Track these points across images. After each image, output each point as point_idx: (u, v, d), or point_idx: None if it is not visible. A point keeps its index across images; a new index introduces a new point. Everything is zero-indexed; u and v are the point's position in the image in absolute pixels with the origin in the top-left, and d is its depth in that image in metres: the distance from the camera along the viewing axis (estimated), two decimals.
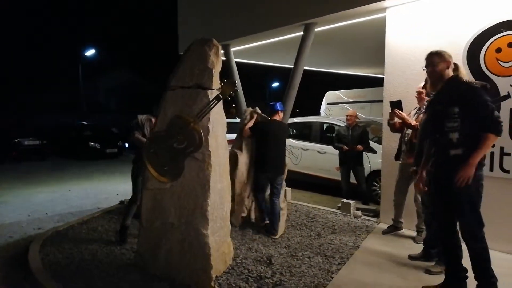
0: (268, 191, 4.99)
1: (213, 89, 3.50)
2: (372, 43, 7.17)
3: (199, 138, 3.37)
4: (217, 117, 3.59)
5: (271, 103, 5.11)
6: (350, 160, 6.38)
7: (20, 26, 26.89)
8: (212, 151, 3.41)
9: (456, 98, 2.85)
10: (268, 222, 4.80)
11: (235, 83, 3.46)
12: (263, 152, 4.88)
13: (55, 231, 4.73)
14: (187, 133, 3.41)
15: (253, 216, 5.20)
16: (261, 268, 3.68)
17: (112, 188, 8.49)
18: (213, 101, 3.44)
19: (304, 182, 7.95)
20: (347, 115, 6.62)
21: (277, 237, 4.63)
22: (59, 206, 6.77)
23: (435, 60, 3.00)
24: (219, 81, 3.59)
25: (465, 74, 3.07)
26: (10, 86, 25.29)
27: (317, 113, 12.13)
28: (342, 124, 7.13)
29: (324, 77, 13.58)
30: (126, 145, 16.17)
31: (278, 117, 5.02)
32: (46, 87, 27.22)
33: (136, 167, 4.44)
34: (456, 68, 3.02)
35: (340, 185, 6.68)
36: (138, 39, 32.90)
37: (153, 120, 4.36)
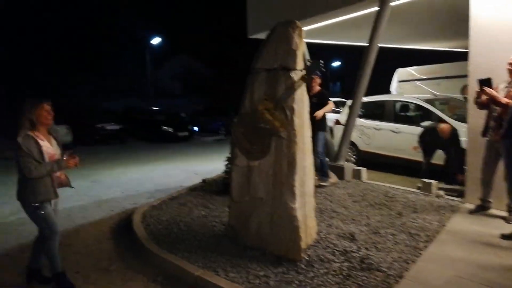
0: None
1: (297, 70, 3.62)
2: (452, 15, 6.78)
3: (280, 126, 3.52)
4: (301, 97, 3.70)
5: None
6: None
7: (91, 17, 28.77)
8: (297, 130, 3.55)
9: None
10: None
11: (321, 62, 3.54)
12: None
13: (150, 205, 5.24)
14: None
15: None
16: (345, 243, 3.79)
17: (190, 168, 9.07)
18: (298, 82, 3.56)
19: (377, 163, 7.83)
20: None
21: None
22: (146, 184, 7.41)
23: None
24: (303, 62, 3.69)
25: None
26: (85, 73, 27.37)
27: (387, 91, 11.72)
28: (419, 102, 7.03)
29: (392, 53, 13.01)
30: (196, 128, 17.07)
31: None
32: (115, 74, 29.14)
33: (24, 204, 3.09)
34: None
35: (415, 165, 6.52)
36: (200, 24, 33.69)
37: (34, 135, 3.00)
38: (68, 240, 4.43)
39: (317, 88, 5.92)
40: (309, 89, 5.83)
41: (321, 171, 6.01)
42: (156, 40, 25.46)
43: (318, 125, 5.74)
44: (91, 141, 14.19)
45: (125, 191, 6.84)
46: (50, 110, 3.13)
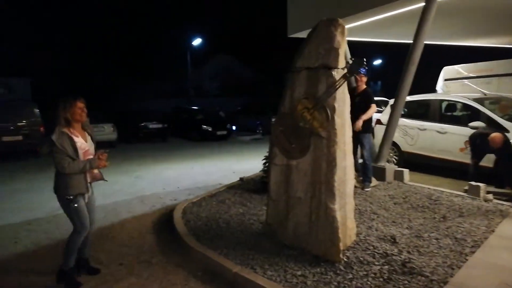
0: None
1: (339, 68, 3.56)
2: (502, 10, 6.42)
3: (319, 126, 3.50)
4: (342, 96, 3.64)
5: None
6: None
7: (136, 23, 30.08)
8: (337, 129, 3.50)
9: None
10: None
11: (364, 60, 3.46)
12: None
13: (190, 202, 5.38)
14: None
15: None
16: (386, 245, 3.69)
17: (227, 167, 9.20)
18: (339, 80, 3.51)
19: (420, 164, 7.54)
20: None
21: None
22: (186, 181, 7.61)
23: None
24: (345, 60, 3.63)
25: None
26: (127, 77, 28.55)
27: (432, 90, 11.26)
28: (467, 102, 6.83)
29: (438, 51, 12.47)
30: (234, 127, 17.30)
31: None
32: (157, 75, 30.12)
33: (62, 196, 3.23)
34: None
35: (461, 167, 6.20)
36: (237, 24, 34.01)
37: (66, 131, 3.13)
38: (113, 233, 4.66)
39: (363, 86, 5.79)
40: (354, 88, 5.73)
41: (364, 175, 5.84)
42: (197, 41, 25.98)
43: (364, 126, 5.61)
44: (134, 139, 14.76)
45: (166, 188, 7.06)
46: (84, 107, 3.23)
